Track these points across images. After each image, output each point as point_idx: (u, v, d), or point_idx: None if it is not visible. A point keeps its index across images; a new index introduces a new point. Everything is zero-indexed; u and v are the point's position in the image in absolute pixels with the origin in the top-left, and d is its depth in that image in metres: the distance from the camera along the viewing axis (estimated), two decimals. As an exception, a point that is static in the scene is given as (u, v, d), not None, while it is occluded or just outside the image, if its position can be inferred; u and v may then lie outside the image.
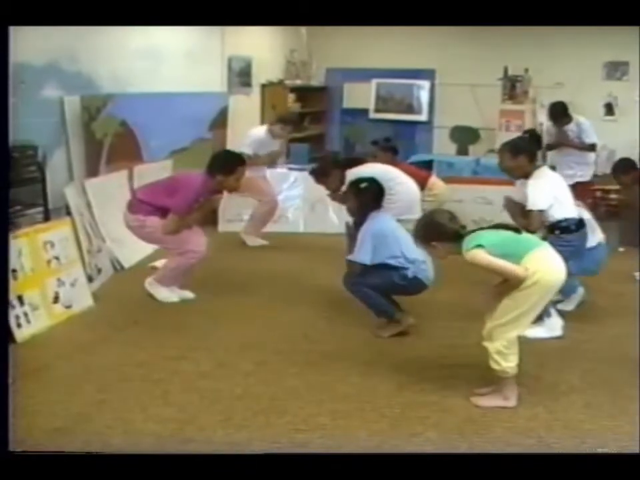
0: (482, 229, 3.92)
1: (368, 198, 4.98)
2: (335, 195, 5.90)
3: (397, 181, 5.97)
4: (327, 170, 5.79)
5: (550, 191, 4.80)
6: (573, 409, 3.94)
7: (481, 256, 3.72)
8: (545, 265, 3.76)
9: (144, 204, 5.46)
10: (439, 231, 3.89)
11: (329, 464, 2.67)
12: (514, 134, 9.91)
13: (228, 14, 3.61)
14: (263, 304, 5.64)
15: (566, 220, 4.80)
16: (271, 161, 7.60)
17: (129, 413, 3.79)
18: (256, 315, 5.39)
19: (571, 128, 7.83)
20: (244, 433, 3.61)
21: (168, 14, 3.51)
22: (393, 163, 6.81)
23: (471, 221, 7.80)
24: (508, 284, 3.77)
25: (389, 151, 6.98)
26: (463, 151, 10.73)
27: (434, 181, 7.08)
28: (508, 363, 3.83)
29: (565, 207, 4.85)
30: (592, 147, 7.83)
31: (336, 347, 4.77)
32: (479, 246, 3.73)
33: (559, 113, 7.82)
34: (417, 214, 5.99)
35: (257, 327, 5.14)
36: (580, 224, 4.92)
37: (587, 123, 7.82)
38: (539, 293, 3.75)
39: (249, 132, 7.55)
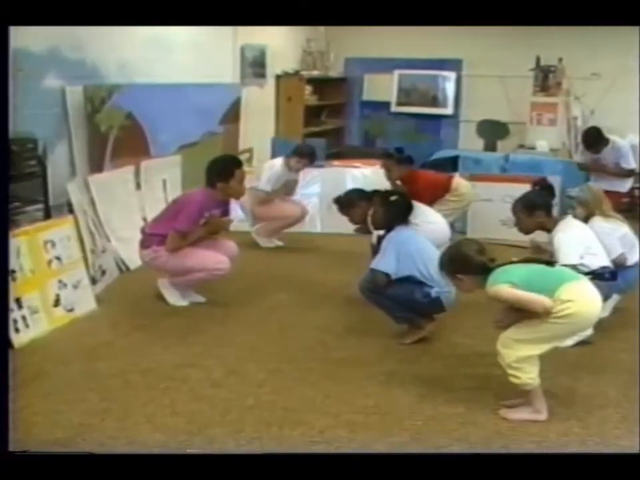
0: (512, 262, 3.88)
1: (395, 211, 5.01)
2: (359, 228, 5.85)
3: (427, 220, 5.98)
4: (353, 201, 5.74)
5: (580, 244, 4.82)
6: (609, 424, 3.90)
7: (505, 291, 3.70)
8: (581, 297, 3.72)
9: (154, 236, 5.54)
10: (465, 263, 3.87)
11: (330, 464, 2.74)
12: (546, 128, 9.97)
13: (229, 14, 3.72)
14: (277, 308, 5.65)
15: (601, 268, 4.75)
16: (288, 192, 7.63)
17: (134, 423, 3.79)
18: (269, 319, 5.39)
19: (607, 151, 7.73)
20: (256, 445, 3.60)
21: (170, 14, 3.61)
22: (410, 173, 6.80)
23: (498, 221, 7.90)
24: (532, 312, 3.74)
25: (404, 163, 6.93)
26: (490, 147, 10.70)
27: (458, 180, 7.08)
28: (526, 374, 3.80)
29: (599, 258, 4.85)
30: (630, 173, 7.71)
31: (354, 354, 4.76)
32: (506, 282, 3.71)
33: (594, 139, 7.72)
34: None
35: (271, 332, 5.14)
36: (613, 274, 4.92)
37: (625, 146, 7.68)
38: (570, 325, 3.75)
39: (265, 166, 7.63)
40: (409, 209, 5.07)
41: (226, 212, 6.12)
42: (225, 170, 5.53)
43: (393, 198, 5.07)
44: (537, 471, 2.69)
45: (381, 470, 2.71)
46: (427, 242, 5.04)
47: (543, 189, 5.44)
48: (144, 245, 5.60)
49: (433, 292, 4.77)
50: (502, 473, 2.68)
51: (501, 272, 3.78)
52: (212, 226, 5.62)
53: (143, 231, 5.68)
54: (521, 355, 3.77)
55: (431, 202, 6.59)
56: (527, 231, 5.09)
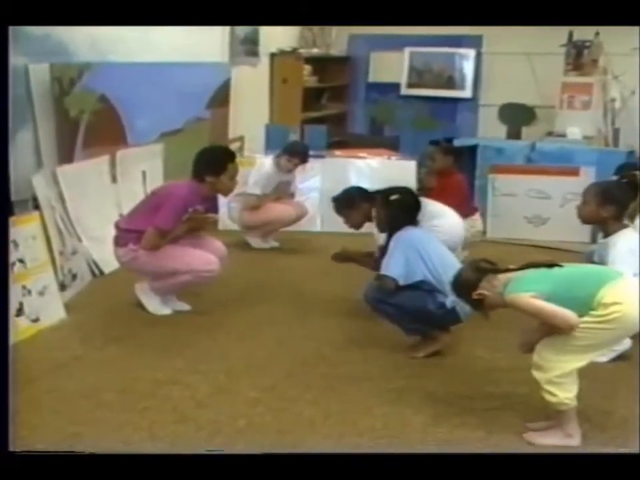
0: (535, 265, 3.86)
1: (398, 211, 5.00)
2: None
3: (443, 217, 5.96)
4: (352, 201, 5.68)
5: (636, 262, 4.79)
6: (651, 449, 3.90)
7: (524, 301, 3.70)
8: (628, 298, 3.67)
9: (130, 232, 5.53)
10: (471, 281, 3.92)
11: (327, 464, 2.92)
12: (578, 112, 9.92)
13: (226, 14, 4.00)
14: (271, 317, 5.66)
15: None
16: (281, 196, 7.64)
17: (108, 449, 3.76)
18: (263, 330, 5.40)
19: None
20: (247, 473, 3.60)
21: (170, 14, 3.88)
22: (451, 170, 6.79)
23: (523, 219, 7.91)
24: (557, 328, 3.73)
25: (451, 155, 6.95)
26: (514, 134, 10.68)
27: (476, 218, 7.01)
28: (565, 393, 3.77)
29: None
30: None
31: (358, 369, 4.76)
32: (528, 291, 3.70)
33: None
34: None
35: (264, 345, 5.15)
36: None
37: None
38: (617, 331, 3.71)
39: (253, 168, 7.68)
40: (414, 207, 5.06)
41: (211, 208, 6.09)
42: (216, 163, 5.53)
43: (393, 197, 5.04)
44: (537, 471, 2.87)
45: (381, 469, 2.88)
46: (440, 243, 5.03)
47: (629, 184, 5.39)
48: (119, 242, 5.59)
49: (448, 302, 4.74)
50: (502, 472, 2.86)
51: (524, 278, 3.78)
52: (194, 222, 5.60)
53: (117, 225, 5.66)
54: (565, 369, 3.73)
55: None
56: (586, 220, 5.10)
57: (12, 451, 3.00)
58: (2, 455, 2.89)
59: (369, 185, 6.23)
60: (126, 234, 5.55)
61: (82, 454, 3.16)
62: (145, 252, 5.45)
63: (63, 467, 2.81)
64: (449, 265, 4.65)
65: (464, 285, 4.00)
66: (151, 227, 5.39)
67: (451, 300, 4.72)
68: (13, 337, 5.00)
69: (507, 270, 3.87)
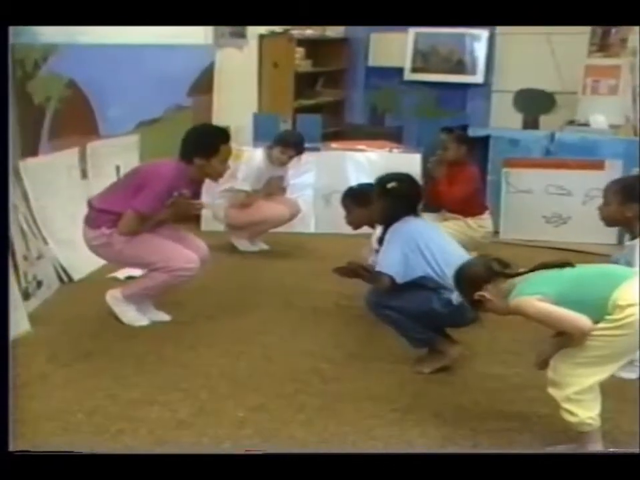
0: (546, 266, 3.85)
1: (396, 201, 4.95)
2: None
3: None
4: (365, 199, 5.64)
5: None
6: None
7: (530, 304, 3.70)
8: None
9: (105, 213, 5.49)
10: (477, 279, 3.92)
11: (328, 464, 3.02)
12: (604, 98, 9.86)
13: (226, 13, 4.12)
14: (260, 328, 5.66)
15: None
16: (272, 192, 7.63)
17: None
18: (250, 343, 5.39)
19: None
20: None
21: (171, 13, 4.04)
22: (464, 161, 6.80)
23: (541, 218, 7.89)
24: (570, 337, 3.73)
25: (465, 144, 6.95)
26: (531, 124, 10.68)
27: (485, 217, 7.00)
28: (587, 411, 3.76)
29: None
30: None
31: (358, 386, 4.76)
32: (534, 294, 3.70)
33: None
34: None
35: (252, 359, 5.14)
36: None
37: None
38: (634, 336, 3.66)
39: (242, 161, 7.66)
40: (415, 196, 5.06)
41: (198, 193, 6.05)
42: (208, 144, 5.50)
43: (391, 185, 4.99)
44: (537, 471, 2.97)
45: (382, 469, 2.98)
46: (443, 234, 5.02)
47: None
48: (91, 223, 5.55)
49: (454, 298, 4.68)
50: (501, 472, 2.96)
51: (530, 280, 3.79)
52: (179, 208, 5.58)
53: (90, 204, 5.63)
54: (583, 384, 3.72)
55: (459, 202, 6.57)
56: (609, 221, 5.07)
57: (12, 451, 3.12)
58: (2, 455, 3.04)
59: (369, 180, 6.21)
60: (100, 214, 5.51)
61: (83, 454, 3.20)
62: (120, 238, 5.42)
63: (64, 467, 2.94)
64: (454, 258, 4.60)
65: (469, 280, 4.01)
66: (130, 210, 5.36)
67: (457, 296, 4.67)
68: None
69: (519, 274, 3.86)
